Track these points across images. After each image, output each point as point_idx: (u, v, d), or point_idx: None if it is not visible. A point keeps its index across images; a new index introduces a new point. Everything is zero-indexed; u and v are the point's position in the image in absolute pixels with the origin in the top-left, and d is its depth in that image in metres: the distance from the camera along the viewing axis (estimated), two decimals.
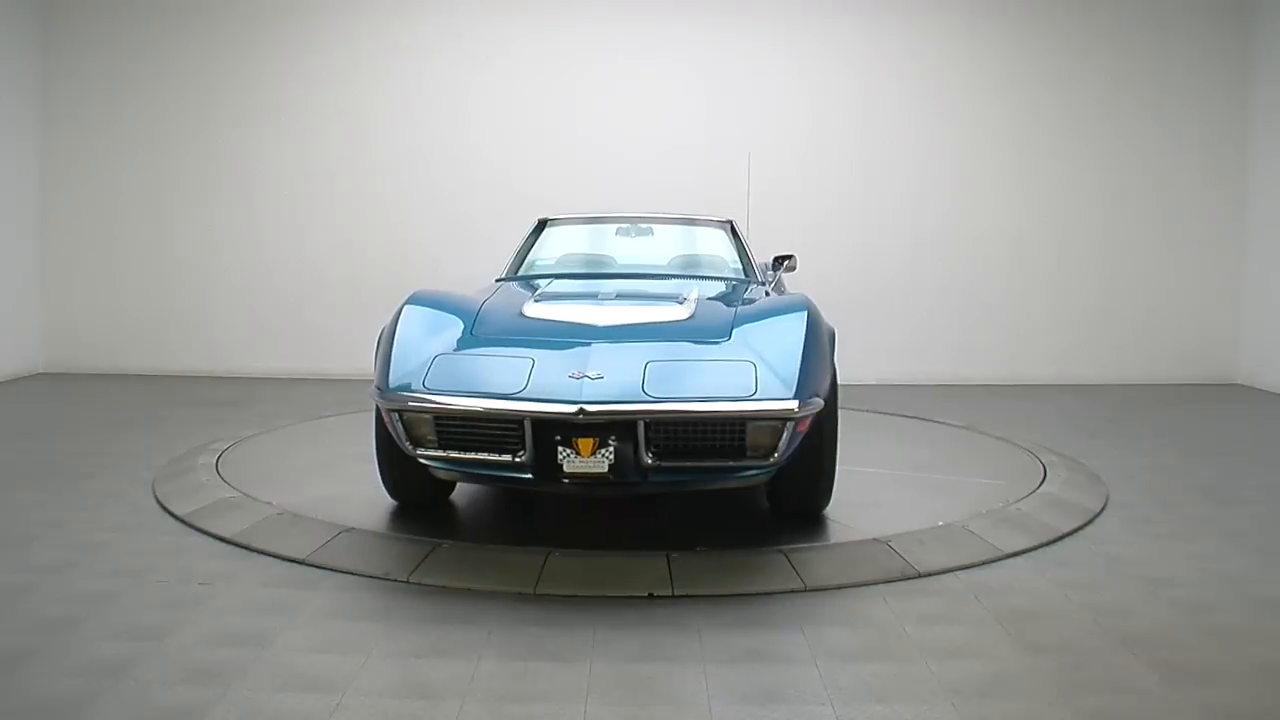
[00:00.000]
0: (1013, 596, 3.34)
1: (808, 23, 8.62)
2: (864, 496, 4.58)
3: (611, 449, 3.43)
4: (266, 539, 3.79)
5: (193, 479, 4.63)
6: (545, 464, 3.48)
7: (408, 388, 3.67)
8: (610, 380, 3.49)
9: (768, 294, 4.81)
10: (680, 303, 4.28)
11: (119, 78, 8.62)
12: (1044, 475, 4.87)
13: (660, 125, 8.55)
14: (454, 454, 3.62)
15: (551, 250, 5.67)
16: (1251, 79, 8.64)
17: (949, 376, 8.55)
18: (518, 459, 3.50)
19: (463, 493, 4.45)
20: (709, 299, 4.46)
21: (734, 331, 3.85)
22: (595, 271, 5.39)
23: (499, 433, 3.54)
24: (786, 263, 5.70)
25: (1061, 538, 4.00)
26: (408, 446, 3.69)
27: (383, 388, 3.72)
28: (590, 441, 3.42)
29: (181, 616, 3.07)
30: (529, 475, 3.54)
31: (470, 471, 3.75)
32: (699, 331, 3.93)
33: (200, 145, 8.64)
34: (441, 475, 3.89)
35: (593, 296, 4.47)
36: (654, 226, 5.77)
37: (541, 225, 5.83)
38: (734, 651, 2.87)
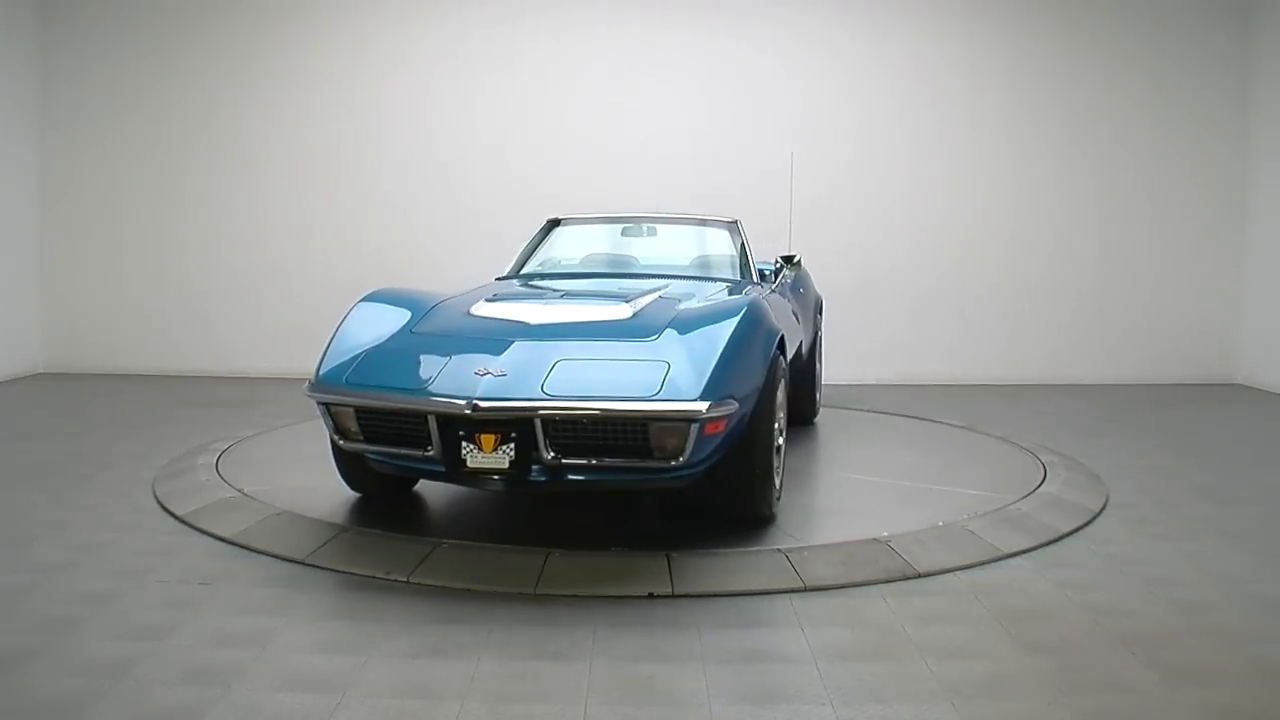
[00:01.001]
0: (1013, 596, 3.34)
1: (794, 23, 8.62)
2: (864, 496, 4.59)
3: (512, 445, 3.47)
4: (266, 539, 3.79)
5: (193, 479, 4.63)
6: (451, 458, 3.54)
7: (334, 381, 3.83)
8: (512, 378, 3.55)
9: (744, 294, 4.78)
10: (628, 302, 4.24)
11: (119, 77, 8.62)
12: (1044, 475, 4.87)
13: (662, 125, 8.55)
14: (376, 446, 3.78)
15: (555, 249, 5.71)
16: (1251, 79, 8.64)
17: (948, 376, 8.55)
18: (427, 453, 3.60)
19: (463, 492, 4.45)
20: (666, 299, 4.35)
21: (665, 331, 3.79)
22: (591, 271, 5.42)
23: (410, 427, 3.64)
24: (791, 263, 5.67)
25: (1061, 538, 4.00)
26: (336, 438, 3.88)
27: (312, 381, 3.89)
28: (492, 438, 3.48)
29: (181, 616, 3.07)
30: (440, 468, 3.62)
31: (395, 464, 3.86)
32: (628, 331, 3.90)
33: (201, 145, 8.64)
34: (376, 468, 3.99)
35: (541, 296, 4.50)
36: (658, 227, 5.77)
37: (551, 225, 5.87)
38: (734, 651, 2.87)
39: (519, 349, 3.71)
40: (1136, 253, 8.76)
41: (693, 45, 8.60)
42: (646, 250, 5.62)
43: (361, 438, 3.79)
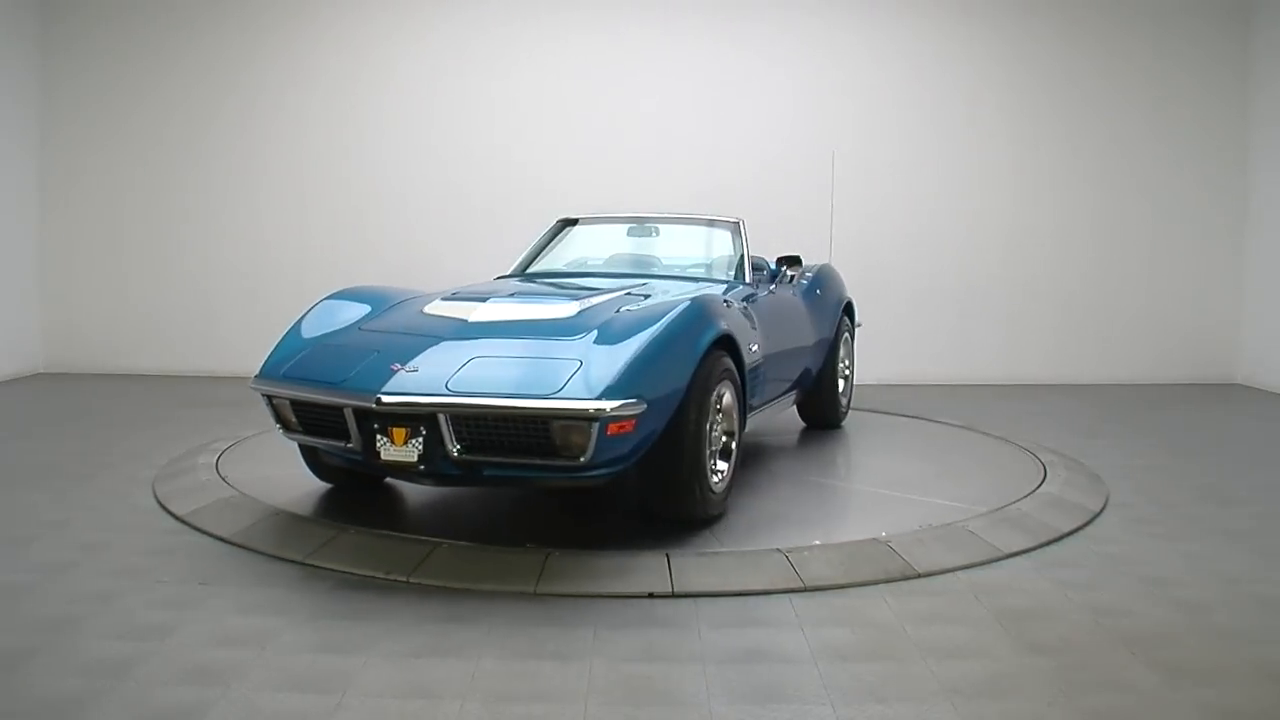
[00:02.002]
0: (1013, 596, 3.34)
1: (793, 23, 8.62)
2: (863, 496, 4.60)
3: (421, 439, 3.54)
4: (266, 539, 3.79)
5: (193, 479, 4.63)
6: (368, 450, 3.63)
7: (272, 374, 4.00)
8: (422, 373, 3.63)
9: (729, 294, 4.75)
10: (578, 301, 4.26)
11: (120, 77, 8.62)
12: (1044, 475, 4.87)
13: (663, 125, 8.56)
14: (311, 437, 3.97)
15: (559, 249, 5.73)
16: (1251, 79, 8.64)
17: (948, 376, 8.55)
18: (349, 444, 3.72)
19: (462, 492, 4.45)
20: (621, 299, 4.32)
21: (593, 331, 3.79)
22: (584, 271, 5.45)
23: (333, 419, 3.76)
24: (792, 264, 5.61)
25: (1061, 538, 4.00)
26: (279, 429, 4.07)
27: (258, 373, 4.04)
28: (403, 431, 3.56)
29: (181, 616, 3.07)
30: (361, 459, 3.73)
31: (332, 454, 4.00)
32: (558, 330, 3.93)
33: (202, 144, 8.64)
34: (324, 459, 4.18)
35: (495, 295, 4.54)
36: (661, 227, 5.76)
37: (563, 225, 5.90)
38: (734, 651, 2.87)
39: (444, 346, 3.83)
40: (1136, 252, 8.76)
41: (694, 45, 8.60)
42: (645, 250, 5.62)
43: (300, 429, 3.97)
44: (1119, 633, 3.03)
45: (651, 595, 3.31)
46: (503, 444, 3.52)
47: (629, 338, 3.67)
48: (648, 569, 3.46)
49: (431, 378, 3.60)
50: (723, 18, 8.59)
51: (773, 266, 5.51)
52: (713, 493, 3.91)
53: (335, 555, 3.61)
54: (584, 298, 4.35)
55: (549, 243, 5.79)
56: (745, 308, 4.70)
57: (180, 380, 8.20)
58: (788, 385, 5.37)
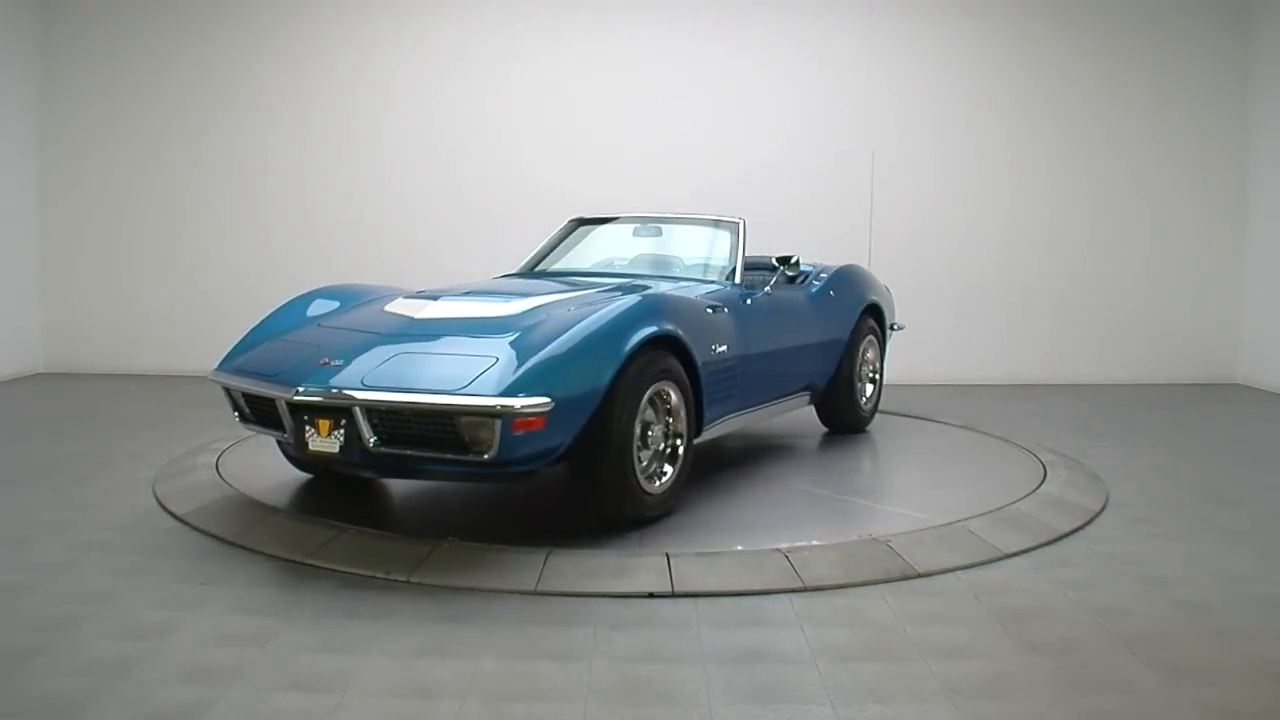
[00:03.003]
0: (1012, 596, 3.34)
1: (792, 22, 8.62)
2: (863, 496, 4.60)
3: (342, 431, 3.64)
4: (266, 539, 3.79)
5: (193, 479, 4.64)
6: (299, 440, 3.76)
7: (226, 365, 4.20)
8: (347, 368, 3.75)
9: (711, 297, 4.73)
10: (527, 298, 4.30)
11: (120, 78, 8.62)
12: (1044, 475, 4.87)
13: (663, 124, 8.56)
14: (259, 428, 4.10)
15: (565, 248, 5.73)
16: (1250, 79, 8.65)
17: (948, 376, 8.55)
18: (284, 435, 3.85)
19: (462, 492, 4.45)
20: (569, 299, 4.31)
21: (522, 330, 3.83)
22: (577, 270, 5.44)
23: (271, 410, 3.88)
24: (788, 264, 5.57)
25: (1061, 538, 4.01)
26: (234, 417, 4.24)
27: (216, 365, 4.22)
28: (327, 423, 3.67)
29: (181, 616, 3.07)
30: (295, 449, 3.87)
31: (283, 445, 4.13)
32: (490, 328, 3.98)
33: (202, 144, 8.64)
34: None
35: (451, 294, 4.59)
36: (664, 227, 5.73)
37: (574, 224, 5.90)
38: (734, 651, 2.87)
39: (378, 342, 3.95)
40: (1136, 252, 8.76)
41: (695, 44, 8.60)
42: (641, 251, 5.59)
43: (253, 419, 4.12)
44: (1119, 633, 3.03)
45: (651, 595, 3.31)
46: (416, 438, 3.59)
47: (546, 337, 3.72)
48: (648, 569, 3.46)
49: (352, 373, 3.71)
50: (724, 18, 8.59)
51: (774, 265, 5.48)
52: (647, 493, 3.91)
53: (335, 555, 3.61)
54: (538, 296, 4.36)
55: (560, 242, 5.78)
56: (721, 308, 4.62)
57: (180, 380, 8.19)
58: (787, 387, 5.34)
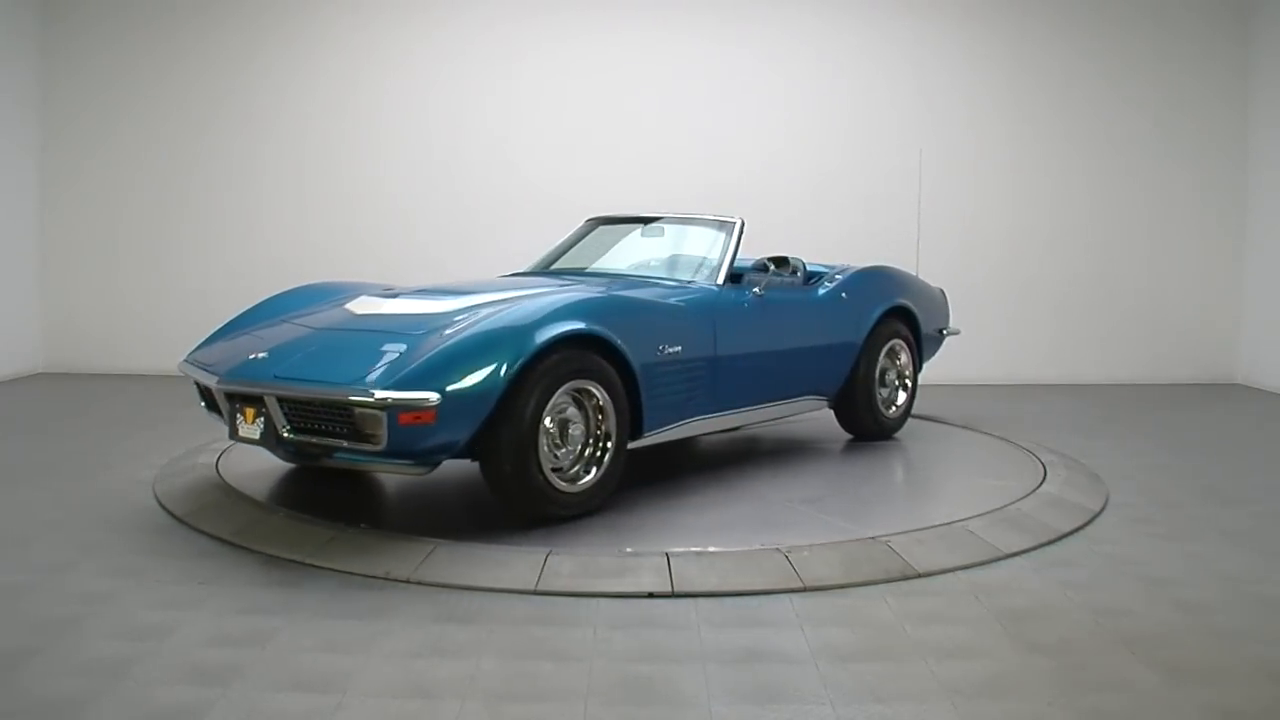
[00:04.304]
0: (1013, 596, 3.34)
1: (791, 21, 8.62)
2: (863, 496, 4.59)
3: (262, 420, 3.87)
4: (266, 539, 3.79)
5: (192, 479, 4.64)
6: (232, 427, 4.01)
7: (191, 355, 4.45)
8: (267, 360, 3.98)
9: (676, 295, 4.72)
10: (469, 296, 4.33)
11: (120, 77, 8.62)
12: (1044, 475, 4.87)
13: (664, 124, 8.56)
14: (214, 414, 4.30)
15: (577, 247, 5.72)
16: (1250, 80, 8.65)
17: (948, 376, 8.54)
18: (227, 422, 4.07)
19: (462, 491, 4.45)
20: (511, 299, 4.27)
21: (441, 326, 3.90)
22: (576, 270, 5.44)
23: (213, 398, 4.12)
24: (781, 264, 5.48)
25: (1061, 538, 4.00)
26: (201, 405, 4.43)
27: (186, 355, 4.47)
28: (251, 411, 3.91)
29: (181, 616, 3.07)
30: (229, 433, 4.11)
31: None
32: (414, 325, 4.03)
33: (202, 144, 8.64)
34: None
35: (406, 294, 4.63)
36: (666, 227, 5.69)
37: (591, 224, 5.87)
38: (734, 651, 2.87)
39: (313, 337, 4.14)
40: (1136, 252, 8.76)
41: (694, 44, 8.60)
42: (639, 250, 5.56)
43: (209, 406, 4.32)
44: (1119, 633, 3.03)
45: (651, 595, 3.31)
46: (321, 428, 3.75)
47: (452, 334, 3.79)
48: (648, 569, 3.46)
49: (269, 365, 3.93)
50: (726, 18, 8.59)
51: (769, 266, 5.45)
52: (561, 492, 3.92)
53: (335, 555, 3.61)
54: (489, 294, 4.34)
55: (577, 241, 5.75)
56: (686, 308, 4.58)
57: (180, 380, 8.15)
58: (784, 391, 5.21)
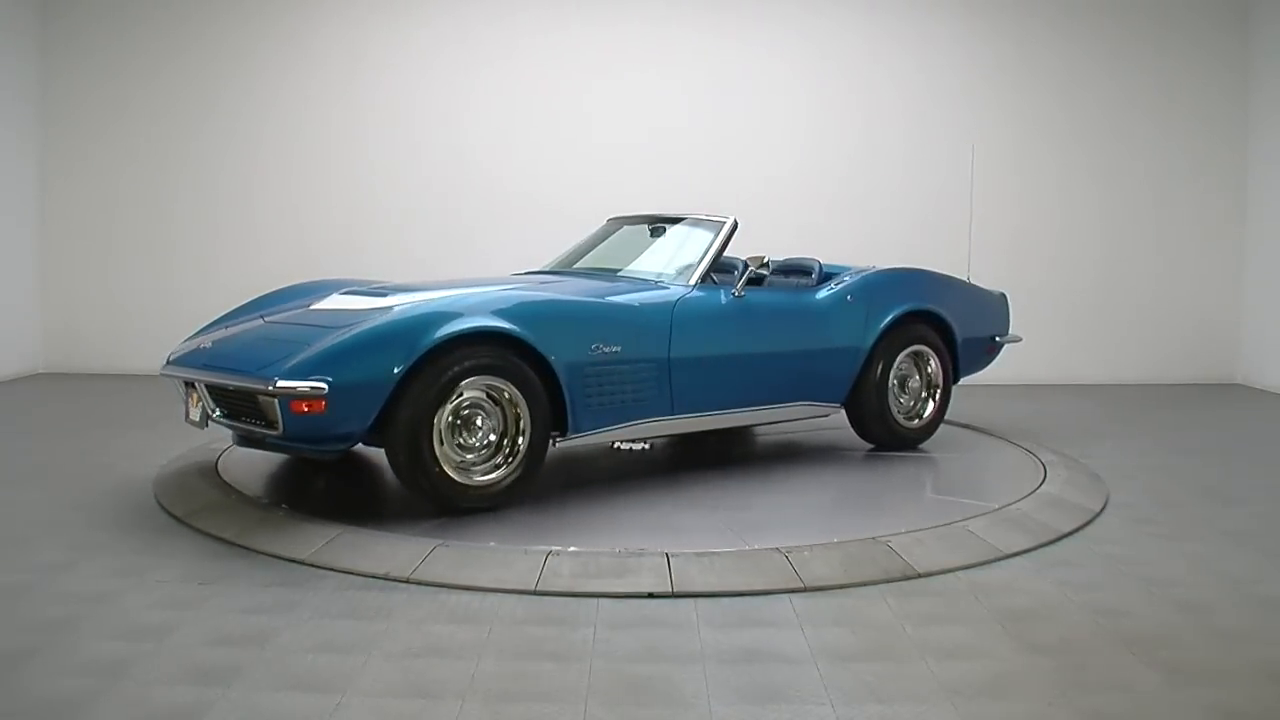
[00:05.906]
0: (1013, 596, 3.34)
1: (791, 20, 8.62)
2: (861, 497, 4.59)
3: (200, 404, 4.16)
4: (266, 539, 3.79)
5: (193, 479, 4.63)
6: (185, 410, 4.30)
7: (177, 347, 4.64)
8: (209, 350, 4.25)
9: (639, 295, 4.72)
10: (413, 294, 4.41)
11: (119, 76, 8.61)
12: (1044, 475, 4.87)
13: (664, 124, 8.55)
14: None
15: (593, 247, 5.71)
16: (1251, 78, 8.64)
17: None
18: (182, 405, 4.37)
19: None
20: (455, 296, 4.26)
21: (357, 321, 4.00)
22: (576, 270, 5.46)
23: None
24: (761, 264, 5.39)
25: (1061, 538, 4.00)
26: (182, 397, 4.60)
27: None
28: (196, 396, 4.21)
29: (181, 616, 3.07)
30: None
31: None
32: (340, 319, 4.13)
33: (201, 144, 8.63)
34: None
35: (368, 291, 4.70)
36: (665, 226, 5.64)
37: (611, 224, 5.84)
38: (734, 651, 2.87)
39: (259, 329, 4.38)
40: (1137, 252, 8.76)
41: (694, 43, 8.60)
42: (637, 249, 5.53)
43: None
44: (1119, 633, 3.02)
45: (651, 595, 3.31)
46: (241, 412, 4.01)
47: (353, 327, 3.91)
48: (648, 569, 3.46)
49: (205, 354, 4.22)
50: (726, 18, 8.59)
51: (748, 265, 5.36)
52: (467, 485, 4.02)
53: (335, 555, 3.61)
54: (432, 293, 4.36)
55: (597, 240, 5.73)
56: (631, 307, 4.54)
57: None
58: (767, 395, 5.02)
